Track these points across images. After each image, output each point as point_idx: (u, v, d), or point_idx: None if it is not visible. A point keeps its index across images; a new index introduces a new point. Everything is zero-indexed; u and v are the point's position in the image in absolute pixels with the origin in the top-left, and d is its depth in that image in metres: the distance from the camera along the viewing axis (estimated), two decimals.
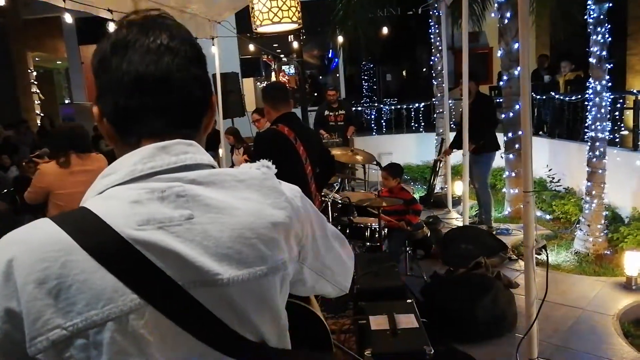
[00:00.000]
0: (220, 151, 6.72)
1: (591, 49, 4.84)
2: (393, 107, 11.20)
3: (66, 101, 16.60)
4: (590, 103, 5.00)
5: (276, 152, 2.93)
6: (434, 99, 8.67)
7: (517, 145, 6.07)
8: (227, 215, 0.75)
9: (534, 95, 8.01)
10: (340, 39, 9.84)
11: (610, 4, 4.76)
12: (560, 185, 6.96)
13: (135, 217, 0.70)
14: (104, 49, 0.78)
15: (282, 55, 12.77)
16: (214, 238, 0.73)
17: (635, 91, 6.62)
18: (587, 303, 4.02)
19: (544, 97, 8.32)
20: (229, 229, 0.74)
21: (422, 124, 10.57)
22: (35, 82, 12.78)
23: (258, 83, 13.05)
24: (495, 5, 6.52)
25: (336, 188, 5.35)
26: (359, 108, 11.61)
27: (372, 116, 11.24)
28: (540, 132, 8.32)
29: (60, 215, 0.72)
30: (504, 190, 6.76)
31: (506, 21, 6.03)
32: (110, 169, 0.76)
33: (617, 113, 6.51)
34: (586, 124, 5.27)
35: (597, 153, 4.97)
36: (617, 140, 6.29)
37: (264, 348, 0.78)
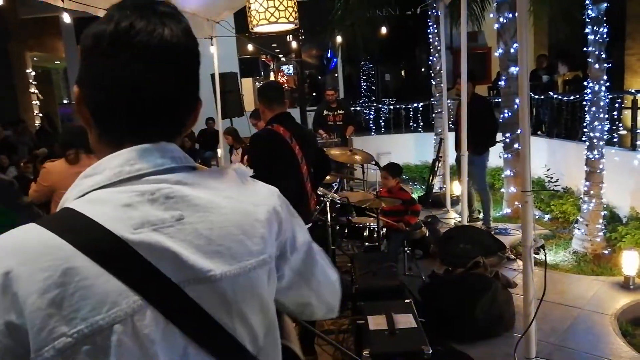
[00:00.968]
0: (219, 151, 6.72)
1: (589, 49, 4.85)
2: (392, 107, 11.19)
3: (65, 101, 16.59)
4: (589, 103, 5.00)
5: (272, 152, 2.93)
6: (432, 99, 8.67)
7: (515, 145, 6.08)
8: (215, 214, 0.76)
9: (532, 95, 8.02)
10: (338, 38, 9.84)
11: (608, 4, 4.77)
12: (558, 185, 6.97)
13: (130, 220, 0.70)
14: (104, 34, 0.75)
15: (280, 55, 12.78)
16: (204, 236, 0.74)
17: (633, 91, 6.64)
18: (585, 302, 4.03)
19: (543, 97, 8.33)
20: (217, 227, 0.76)
21: (421, 123, 10.58)
22: (34, 82, 12.77)
23: (257, 83, 13.05)
24: (494, 5, 6.53)
25: (335, 188, 5.35)
26: (358, 108, 11.62)
27: (371, 116, 11.24)
28: (539, 132, 8.33)
29: (50, 220, 0.71)
30: (502, 190, 6.76)
31: (503, 20, 6.03)
32: (93, 170, 0.75)
33: (615, 113, 6.52)
34: (584, 124, 5.28)
35: (595, 153, 4.97)
36: (615, 140, 6.31)
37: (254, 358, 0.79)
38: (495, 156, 6.88)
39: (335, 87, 7.89)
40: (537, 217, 6.23)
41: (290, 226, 0.90)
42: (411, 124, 10.74)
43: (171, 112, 0.79)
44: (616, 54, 7.90)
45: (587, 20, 4.84)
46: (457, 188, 7.10)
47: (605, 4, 4.74)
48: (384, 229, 4.35)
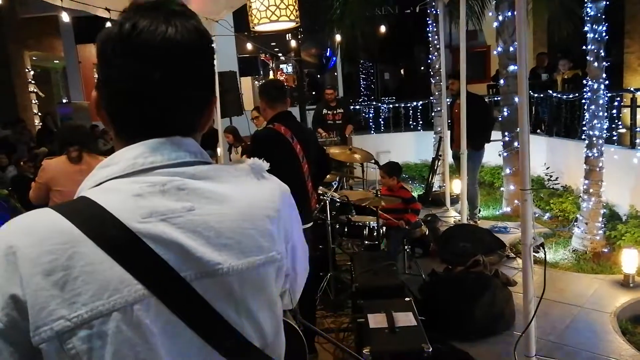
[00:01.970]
0: (219, 150, 6.72)
1: (588, 47, 4.85)
2: (391, 106, 11.19)
3: (64, 100, 16.56)
4: (588, 101, 5.00)
5: (273, 151, 2.93)
6: (432, 98, 8.67)
7: (515, 143, 6.08)
8: (226, 207, 0.77)
9: (531, 93, 8.02)
10: (338, 37, 9.85)
11: (607, 2, 4.77)
12: (558, 183, 6.97)
13: (139, 210, 0.71)
14: (109, 38, 0.76)
15: (280, 54, 12.77)
16: (214, 229, 0.75)
17: (632, 89, 6.64)
18: (584, 301, 4.03)
19: (542, 95, 8.34)
20: (228, 220, 0.76)
21: (420, 122, 10.58)
22: (33, 81, 12.75)
23: (256, 82, 13.04)
24: (493, 3, 6.53)
25: (334, 187, 5.35)
26: (357, 107, 11.61)
27: (370, 115, 11.24)
28: (538, 130, 8.33)
29: (63, 206, 0.72)
30: (502, 188, 6.77)
31: (502, 18, 6.03)
32: (110, 161, 0.77)
33: (614, 111, 6.51)
34: (584, 122, 5.28)
35: (594, 151, 4.98)
36: (615, 138, 6.30)
37: (261, 354, 0.80)
38: (495, 155, 6.88)
39: (334, 86, 7.89)
40: (536, 215, 6.24)
41: (291, 227, 0.91)
42: (411, 122, 10.74)
43: (180, 109, 0.79)
44: (615, 52, 7.92)
45: (586, 18, 4.84)
46: (456, 186, 7.11)
47: (604, 2, 4.74)
48: (384, 228, 4.35)
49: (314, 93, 13.98)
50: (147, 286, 0.69)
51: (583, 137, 5.35)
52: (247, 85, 12.41)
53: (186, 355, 0.72)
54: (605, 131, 5.09)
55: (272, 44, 12.50)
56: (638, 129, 5.92)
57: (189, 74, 0.78)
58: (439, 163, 7.49)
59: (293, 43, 9.84)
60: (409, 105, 10.76)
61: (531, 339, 2.96)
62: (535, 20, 9.64)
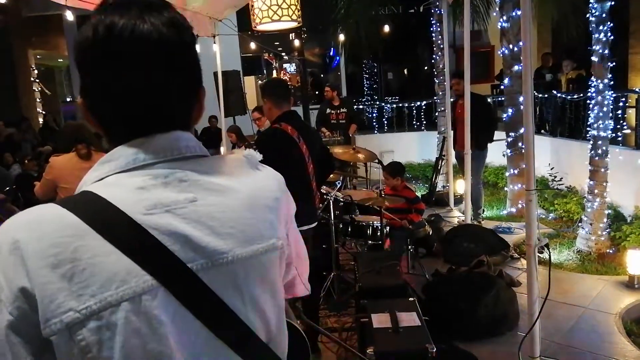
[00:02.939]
0: (222, 149, 6.73)
1: (593, 48, 4.83)
2: (395, 106, 11.18)
3: (68, 99, 16.61)
4: (593, 102, 4.98)
5: (280, 151, 2.91)
6: (435, 97, 8.66)
7: (519, 144, 6.07)
8: (228, 198, 0.79)
9: (536, 93, 7.99)
10: (341, 37, 9.83)
11: (612, 3, 4.75)
12: (562, 184, 6.95)
13: (143, 202, 0.72)
14: (85, 42, 0.74)
15: (283, 54, 12.75)
16: (217, 219, 0.76)
17: (637, 90, 6.62)
18: (589, 302, 4.01)
19: (546, 95, 8.31)
20: (230, 210, 0.78)
21: (424, 122, 10.55)
22: (37, 80, 12.79)
23: (259, 81, 13.04)
24: (498, 3, 6.51)
25: (338, 186, 5.35)
26: (361, 106, 11.60)
27: (374, 114, 11.23)
28: (543, 131, 8.30)
29: (67, 200, 0.72)
30: (506, 188, 6.75)
31: (507, 18, 6.01)
32: (110, 156, 0.77)
33: (619, 112, 6.48)
34: (588, 123, 5.26)
35: (599, 152, 4.95)
36: (620, 138, 6.27)
37: (265, 348, 0.80)
38: (499, 155, 6.86)
39: (334, 85, 7.86)
40: (541, 216, 6.22)
41: (289, 214, 0.93)
42: (414, 122, 10.72)
43: (168, 105, 0.78)
44: (620, 52, 7.88)
45: (591, 19, 4.82)
46: (460, 187, 7.09)
47: (609, 3, 4.72)
48: (388, 228, 4.34)
49: (317, 92, 13.97)
50: (155, 277, 0.69)
51: (587, 137, 5.33)
52: (250, 85, 12.39)
53: (194, 345, 0.72)
54: (610, 132, 5.07)
55: (276, 43, 12.49)
56: None
57: (170, 68, 0.77)
58: (443, 163, 7.47)
59: (297, 42, 9.84)
60: (412, 105, 10.74)
61: (535, 340, 2.95)
62: (540, 20, 9.60)
